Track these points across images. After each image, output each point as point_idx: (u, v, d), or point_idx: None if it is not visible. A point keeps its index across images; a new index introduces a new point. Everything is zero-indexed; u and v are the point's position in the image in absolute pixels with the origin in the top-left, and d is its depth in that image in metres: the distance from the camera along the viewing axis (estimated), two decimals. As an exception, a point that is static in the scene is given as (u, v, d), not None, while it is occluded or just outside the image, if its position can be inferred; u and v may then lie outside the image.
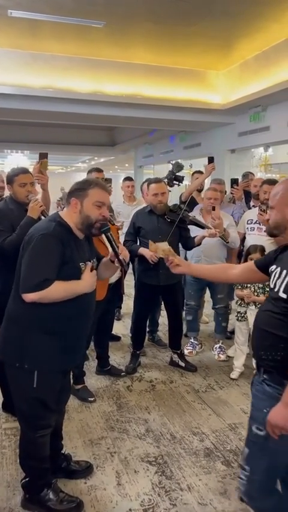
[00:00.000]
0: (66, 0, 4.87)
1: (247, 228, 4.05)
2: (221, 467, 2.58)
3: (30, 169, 3.15)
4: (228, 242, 3.79)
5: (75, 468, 2.47)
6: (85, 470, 2.49)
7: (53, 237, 1.92)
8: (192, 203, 4.64)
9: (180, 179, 3.79)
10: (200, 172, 5.04)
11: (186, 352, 4.13)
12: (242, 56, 6.75)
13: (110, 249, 2.15)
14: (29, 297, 1.87)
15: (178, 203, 4.04)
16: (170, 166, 3.89)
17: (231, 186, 4.54)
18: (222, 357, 4.13)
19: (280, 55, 6.09)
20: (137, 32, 5.79)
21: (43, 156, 3.34)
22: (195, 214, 4.02)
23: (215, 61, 6.98)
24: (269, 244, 3.93)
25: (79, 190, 2.04)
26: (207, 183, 5.48)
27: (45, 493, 2.17)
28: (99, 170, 4.16)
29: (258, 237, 3.96)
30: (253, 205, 4.51)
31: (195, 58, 6.80)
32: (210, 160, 4.54)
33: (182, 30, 5.67)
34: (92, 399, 3.30)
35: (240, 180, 4.90)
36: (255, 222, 4.00)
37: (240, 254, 4.17)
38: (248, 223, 4.06)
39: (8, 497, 2.29)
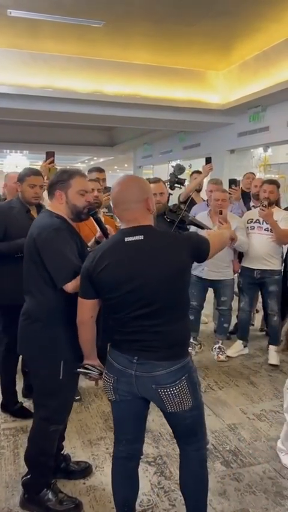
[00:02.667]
0: (65, 0, 4.86)
1: (247, 227, 4.05)
2: (220, 467, 2.58)
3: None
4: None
5: (74, 468, 2.46)
6: (84, 470, 2.48)
7: (63, 230, 1.99)
8: (191, 203, 4.64)
9: (182, 182, 3.79)
10: (198, 172, 5.04)
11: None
12: (241, 56, 6.74)
13: (99, 231, 2.31)
14: (70, 286, 1.92)
15: (177, 203, 4.04)
16: (171, 169, 3.89)
17: (229, 187, 4.54)
18: (222, 357, 4.12)
19: (280, 55, 6.08)
20: (136, 32, 5.78)
21: (50, 155, 3.35)
22: (204, 215, 4.01)
23: (214, 61, 6.98)
24: (270, 243, 3.94)
25: (61, 182, 2.09)
26: (205, 183, 5.48)
27: (44, 493, 2.17)
28: (100, 170, 4.09)
29: (258, 236, 3.97)
30: (253, 206, 4.51)
31: (194, 58, 6.80)
32: (208, 160, 4.55)
33: (181, 30, 5.66)
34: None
35: (240, 179, 4.91)
36: (255, 221, 4.01)
37: (241, 254, 4.16)
38: (248, 223, 4.07)
39: (7, 498, 2.29)
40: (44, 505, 2.16)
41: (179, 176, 3.74)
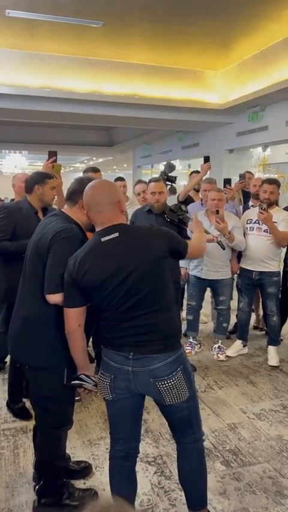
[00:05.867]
0: (64, 0, 4.86)
1: (247, 228, 4.04)
2: (220, 467, 2.58)
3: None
4: (224, 249, 3.74)
5: (74, 468, 2.47)
6: (84, 470, 2.49)
7: (76, 239, 1.94)
8: (189, 203, 4.64)
9: (172, 179, 3.80)
10: (197, 172, 5.04)
11: (184, 352, 4.12)
12: (240, 56, 6.74)
13: None
14: (53, 298, 1.90)
15: (177, 203, 4.04)
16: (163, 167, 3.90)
17: (224, 186, 4.54)
18: (222, 357, 4.12)
19: (278, 55, 6.08)
20: (135, 32, 5.78)
21: (52, 155, 3.37)
22: (201, 215, 4.00)
23: (213, 61, 6.97)
24: (269, 245, 3.93)
25: None
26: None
27: (61, 491, 2.20)
28: (95, 170, 4.09)
29: (257, 237, 3.95)
30: (252, 205, 4.50)
31: (193, 58, 6.79)
32: (206, 159, 4.55)
33: (180, 30, 5.66)
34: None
35: (237, 180, 4.90)
36: (255, 222, 3.98)
37: (240, 254, 4.16)
38: (247, 223, 4.05)
39: (7, 498, 2.29)
40: (62, 504, 2.18)
41: (169, 174, 3.76)
